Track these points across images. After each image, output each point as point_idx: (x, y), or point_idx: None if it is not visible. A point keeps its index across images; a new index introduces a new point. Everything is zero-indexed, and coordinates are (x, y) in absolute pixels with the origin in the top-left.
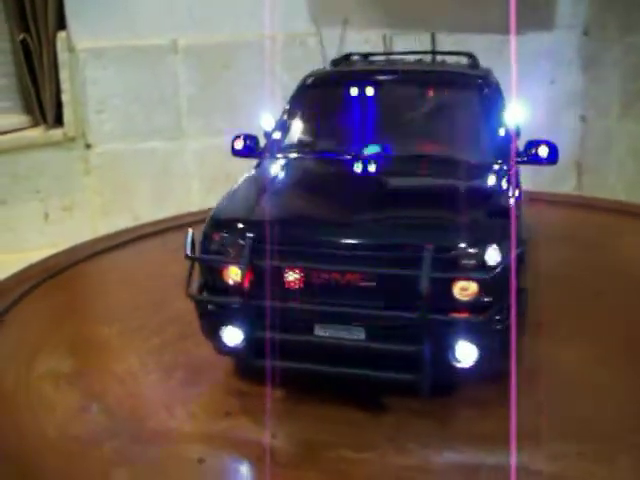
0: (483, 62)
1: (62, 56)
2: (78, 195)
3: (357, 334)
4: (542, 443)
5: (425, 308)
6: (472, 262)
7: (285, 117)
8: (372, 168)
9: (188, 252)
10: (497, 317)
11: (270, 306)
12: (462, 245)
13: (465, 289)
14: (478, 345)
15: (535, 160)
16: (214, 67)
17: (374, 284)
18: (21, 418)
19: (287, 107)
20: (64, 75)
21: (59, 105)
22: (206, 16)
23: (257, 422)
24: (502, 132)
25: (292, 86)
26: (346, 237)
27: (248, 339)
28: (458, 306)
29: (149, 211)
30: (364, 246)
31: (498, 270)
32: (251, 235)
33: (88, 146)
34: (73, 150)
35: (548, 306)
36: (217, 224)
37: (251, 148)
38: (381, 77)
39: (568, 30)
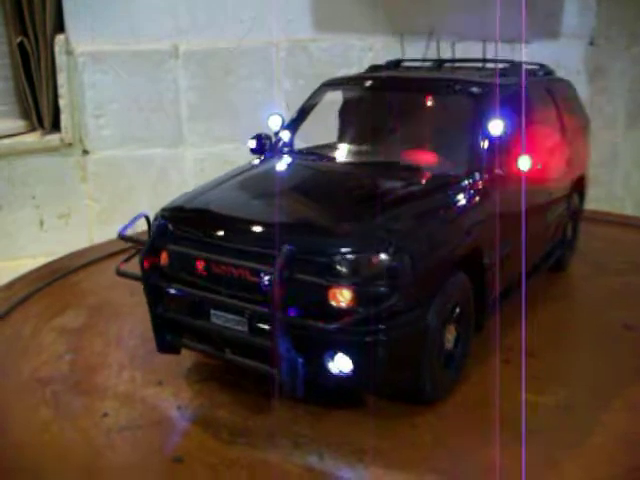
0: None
1: (60, 59)
2: (74, 202)
3: (241, 325)
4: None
5: (274, 305)
6: (345, 270)
7: (293, 118)
8: (327, 172)
9: (121, 231)
10: (370, 328)
11: (162, 288)
12: (335, 251)
13: (339, 296)
14: (348, 353)
15: (515, 173)
16: (215, 73)
17: (253, 279)
18: (15, 360)
19: (298, 110)
20: (62, 79)
21: (56, 110)
22: (208, 21)
23: (177, 394)
24: (483, 144)
25: (294, 93)
26: (232, 232)
27: (151, 316)
28: (335, 313)
29: None
30: (245, 241)
31: (369, 280)
32: (162, 221)
33: (85, 152)
34: (70, 156)
35: (557, 335)
36: (161, 210)
37: (264, 146)
38: (381, 85)
39: (575, 40)
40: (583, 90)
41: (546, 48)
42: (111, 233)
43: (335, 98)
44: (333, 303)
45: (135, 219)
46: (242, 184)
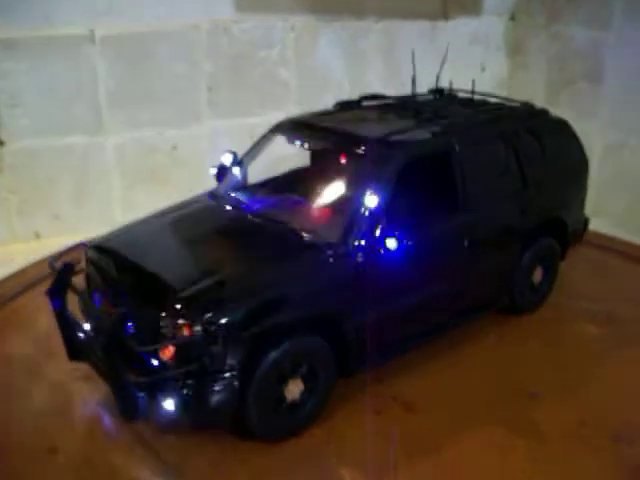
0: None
1: None
2: None
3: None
4: None
5: (102, 347)
6: (167, 332)
7: (243, 156)
8: (217, 225)
9: (51, 260)
10: (184, 382)
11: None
12: (162, 316)
13: (165, 352)
14: (170, 399)
15: (384, 252)
16: (135, 58)
17: None
18: None
19: (248, 149)
20: None
21: None
22: (126, 4)
23: (93, 390)
24: (362, 213)
25: (216, 75)
26: (115, 275)
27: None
28: (166, 365)
29: (70, 209)
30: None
31: (183, 344)
32: (68, 264)
33: (1, 143)
34: None
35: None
36: (88, 247)
37: (224, 175)
38: (304, 136)
39: (496, 17)
40: (503, 66)
41: (467, 24)
42: (33, 225)
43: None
44: (162, 357)
45: (69, 249)
46: (152, 231)
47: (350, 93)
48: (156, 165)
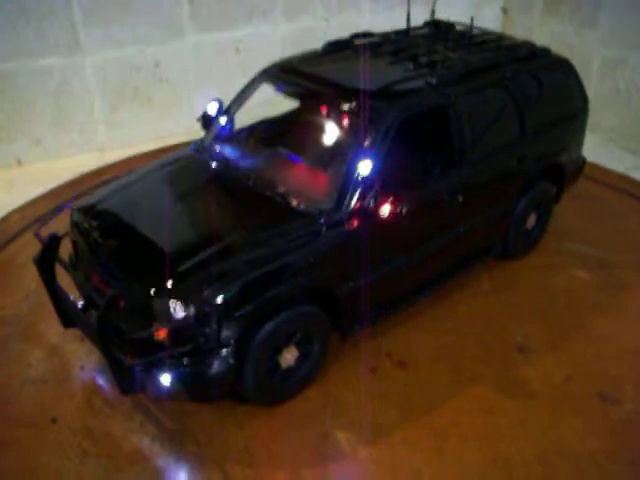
0: None
1: None
2: None
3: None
4: None
5: (95, 330)
6: (160, 313)
7: (230, 105)
8: (210, 190)
9: (36, 232)
10: (181, 361)
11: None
12: (154, 296)
13: (158, 332)
14: (165, 374)
15: (377, 216)
16: None
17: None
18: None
19: (235, 97)
20: None
21: None
22: None
23: (88, 352)
24: (356, 176)
25: None
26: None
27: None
28: (160, 344)
29: (51, 134)
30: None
31: (178, 324)
32: (53, 236)
33: None
34: None
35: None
36: (73, 210)
37: (210, 124)
38: (298, 87)
39: None
40: None
41: None
42: (13, 151)
43: None
44: (156, 337)
45: (55, 213)
46: (139, 193)
47: (338, 3)
48: (139, 84)
